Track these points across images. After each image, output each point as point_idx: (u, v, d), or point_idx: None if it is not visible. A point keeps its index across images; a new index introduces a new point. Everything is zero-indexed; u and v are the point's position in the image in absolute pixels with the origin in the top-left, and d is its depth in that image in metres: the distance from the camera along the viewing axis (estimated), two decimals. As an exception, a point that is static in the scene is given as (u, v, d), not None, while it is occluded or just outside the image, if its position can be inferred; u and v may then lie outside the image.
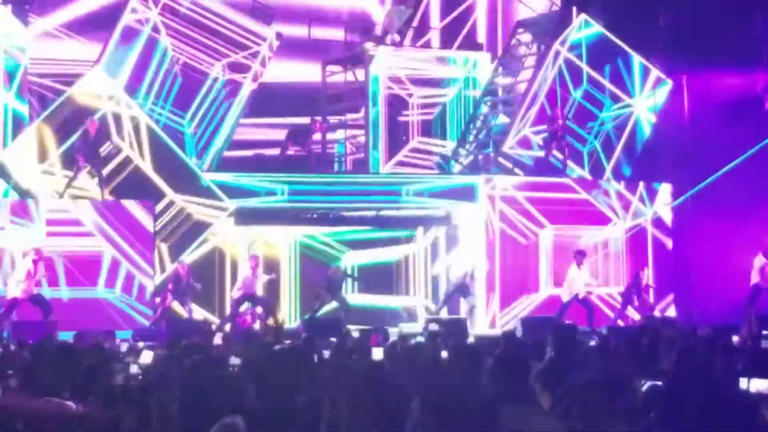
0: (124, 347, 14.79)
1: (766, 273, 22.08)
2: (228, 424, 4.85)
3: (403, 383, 6.56)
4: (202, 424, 5.71)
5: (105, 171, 21.65)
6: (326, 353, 12.53)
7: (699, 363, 9.01)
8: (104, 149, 21.66)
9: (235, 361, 10.60)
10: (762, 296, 21.92)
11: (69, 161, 21.44)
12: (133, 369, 10.90)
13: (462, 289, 22.54)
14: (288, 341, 13.17)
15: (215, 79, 24.32)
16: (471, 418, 5.44)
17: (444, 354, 10.71)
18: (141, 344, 15.50)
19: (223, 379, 8.29)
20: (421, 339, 15.72)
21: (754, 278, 22.09)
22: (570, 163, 25.10)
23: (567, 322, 19.05)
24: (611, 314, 23.84)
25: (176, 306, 21.62)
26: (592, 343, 14.08)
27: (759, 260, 22.21)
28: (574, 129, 25.39)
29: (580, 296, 22.38)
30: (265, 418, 5.91)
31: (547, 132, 24.72)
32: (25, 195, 21.33)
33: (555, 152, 24.84)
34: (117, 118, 21.83)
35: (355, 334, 16.76)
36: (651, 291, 23.84)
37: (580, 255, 22.73)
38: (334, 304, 22.75)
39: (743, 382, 6.87)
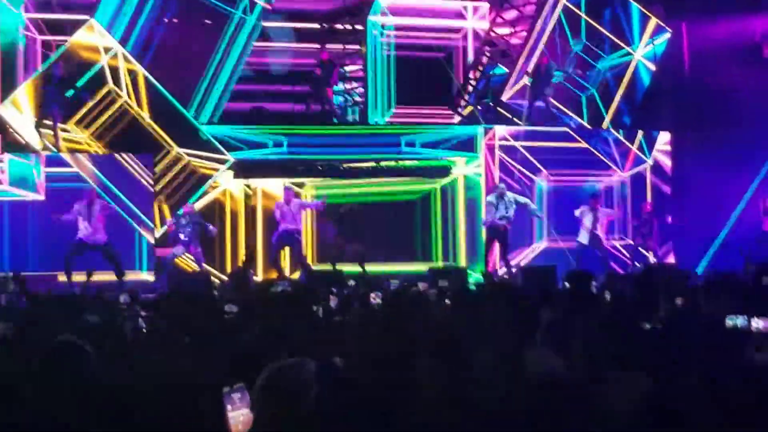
0: (121, 298, 14.75)
1: None
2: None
3: (407, 328, 6.62)
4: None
5: (101, 122, 21.55)
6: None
7: (698, 306, 9.07)
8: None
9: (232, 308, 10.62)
10: None
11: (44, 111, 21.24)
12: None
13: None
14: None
15: (211, 31, 24.17)
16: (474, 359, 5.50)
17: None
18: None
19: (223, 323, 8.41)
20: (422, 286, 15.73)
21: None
22: (568, 112, 25.12)
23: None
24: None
25: (178, 249, 21.44)
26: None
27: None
28: (568, 78, 25.32)
29: (600, 239, 22.57)
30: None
31: (530, 80, 24.74)
32: (23, 150, 21.31)
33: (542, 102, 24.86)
34: (114, 71, 21.76)
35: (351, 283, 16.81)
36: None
37: (594, 199, 22.89)
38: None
39: (743, 321, 6.91)
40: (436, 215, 24.94)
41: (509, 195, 22.22)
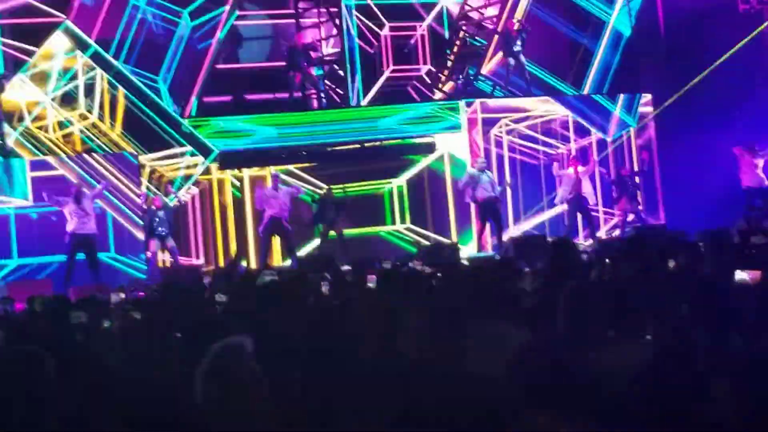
0: (114, 298, 14.77)
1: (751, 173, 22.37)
2: (233, 345, 4.77)
3: (396, 306, 6.61)
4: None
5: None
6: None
7: (690, 264, 9.10)
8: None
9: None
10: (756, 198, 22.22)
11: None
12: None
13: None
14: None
15: (185, 26, 24.11)
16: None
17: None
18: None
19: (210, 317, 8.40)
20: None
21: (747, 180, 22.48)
22: (547, 78, 25.19)
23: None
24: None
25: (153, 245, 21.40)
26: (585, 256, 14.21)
27: (745, 162, 22.50)
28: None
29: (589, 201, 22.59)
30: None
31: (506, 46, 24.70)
32: (9, 156, 21.26)
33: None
34: (89, 74, 21.71)
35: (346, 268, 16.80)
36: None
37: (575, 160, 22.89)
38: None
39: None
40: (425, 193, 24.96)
41: (489, 172, 22.22)
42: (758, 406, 4.24)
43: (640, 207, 24.17)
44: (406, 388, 4.86)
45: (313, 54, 24.79)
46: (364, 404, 5.23)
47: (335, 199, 23.14)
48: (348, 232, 22.44)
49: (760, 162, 22.82)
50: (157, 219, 21.05)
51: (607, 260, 10.40)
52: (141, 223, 21.69)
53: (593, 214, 23.29)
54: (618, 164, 25.14)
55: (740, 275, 6.81)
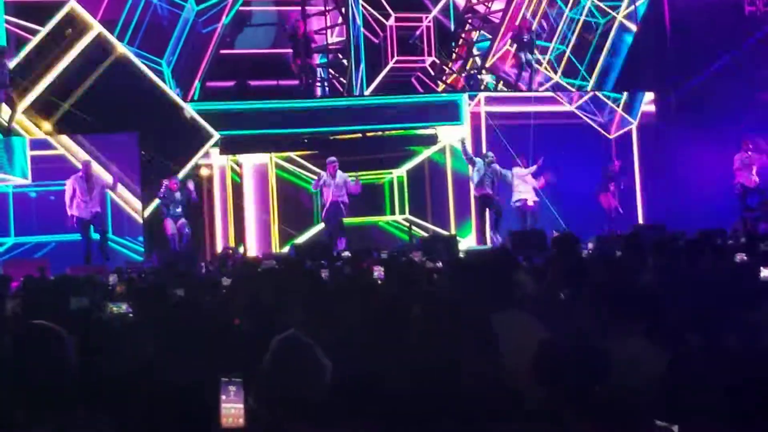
0: (111, 279, 14.70)
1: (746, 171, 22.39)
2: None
3: (400, 296, 6.62)
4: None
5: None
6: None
7: (687, 265, 9.10)
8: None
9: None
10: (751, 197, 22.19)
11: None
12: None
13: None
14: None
15: (190, 9, 24.07)
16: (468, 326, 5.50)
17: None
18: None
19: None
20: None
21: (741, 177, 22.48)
22: (552, 75, 25.15)
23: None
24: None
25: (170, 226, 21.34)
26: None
27: (739, 159, 22.52)
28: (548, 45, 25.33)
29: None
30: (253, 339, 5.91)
31: (516, 45, 24.67)
32: (10, 134, 21.20)
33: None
34: (95, 52, 21.65)
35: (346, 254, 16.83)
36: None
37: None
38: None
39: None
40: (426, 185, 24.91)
41: (497, 167, 22.13)
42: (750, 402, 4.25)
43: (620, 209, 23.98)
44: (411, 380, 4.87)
45: (315, 42, 24.73)
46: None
47: None
48: (347, 220, 22.37)
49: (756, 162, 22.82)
50: (174, 201, 21.05)
51: (618, 252, 10.39)
52: (140, 205, 21.67)
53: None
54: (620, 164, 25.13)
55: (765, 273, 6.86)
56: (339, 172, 21.48)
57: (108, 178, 20.58)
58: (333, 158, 21.67)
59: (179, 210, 20.94)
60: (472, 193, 22.46)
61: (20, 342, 4.80)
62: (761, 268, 6.89)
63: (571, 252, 9.64)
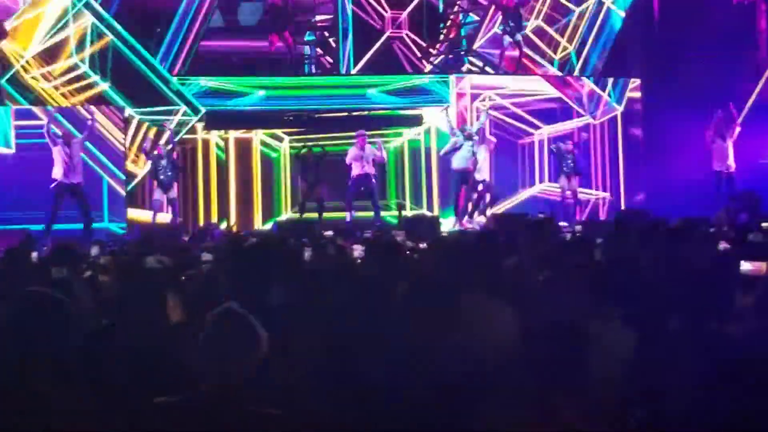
0: (95, 250, 14.67)
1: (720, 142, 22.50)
2: (227, 310, 4.78)
3: (381, 275, 6.63)
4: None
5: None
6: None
7: (671, 252, 9.12)
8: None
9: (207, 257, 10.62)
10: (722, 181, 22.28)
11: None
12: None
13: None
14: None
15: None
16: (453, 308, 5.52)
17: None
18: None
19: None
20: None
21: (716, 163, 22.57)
22: (538, 59, 25.16)
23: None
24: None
25: (156, 194, 21.40)
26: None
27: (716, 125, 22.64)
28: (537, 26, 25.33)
29: None
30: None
31: (502, 27, 24.64)
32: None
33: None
34: (81, 22, 21.60)
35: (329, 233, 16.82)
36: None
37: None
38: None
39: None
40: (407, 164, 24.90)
41: (472, 132, 21.91)
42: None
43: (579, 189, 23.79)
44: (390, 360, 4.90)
45: (302, 18, 24.63)
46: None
47: (315, 157, 23.10)
48: (329, 202, 22.45)
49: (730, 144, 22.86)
50: (160, 167, 21.10)
51: (598, 240, 10.40)
52: (123, 177, 21.66)
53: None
54: (604, 148, 25.19)
55: (745, 266, 6.89)
56: (367, 145, 21.63)
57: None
58: (362, 131, 21.91)
59: (164, 177, 21.00)
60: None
61: (23, 310, 4.80)
62: (742, 261, 6.92)
63: (548, 236, 9.68)
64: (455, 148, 21.61)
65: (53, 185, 19.41)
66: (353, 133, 22.21)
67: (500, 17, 24.63)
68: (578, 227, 18.05)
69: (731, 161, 22.80)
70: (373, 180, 21.79)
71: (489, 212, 22.26)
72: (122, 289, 7.03)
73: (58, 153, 19.37)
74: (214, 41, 24.52)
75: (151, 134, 22.14)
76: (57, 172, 19.38)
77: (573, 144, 23.51)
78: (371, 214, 21.79)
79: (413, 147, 24.69)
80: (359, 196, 21.88)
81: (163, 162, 21.12)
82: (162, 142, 21.74)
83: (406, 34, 25.70)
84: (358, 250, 10.90)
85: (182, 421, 4.52)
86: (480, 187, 22.17)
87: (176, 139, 22.00)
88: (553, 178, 24.19)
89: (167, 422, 4.52)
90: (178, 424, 4.51)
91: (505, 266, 8.38)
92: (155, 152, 21.37)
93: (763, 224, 16.28)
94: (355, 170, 21.59)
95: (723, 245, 10.72)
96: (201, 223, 22.95)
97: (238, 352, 4.62)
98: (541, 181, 24.85)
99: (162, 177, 21.18)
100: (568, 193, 23.14)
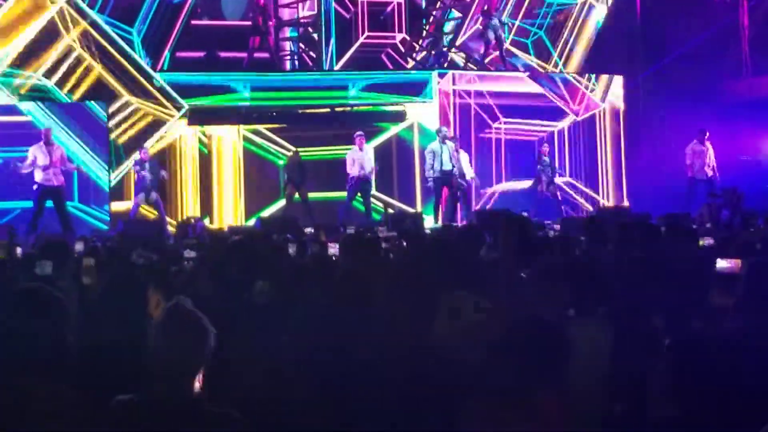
0: (79, 246, 14.64)
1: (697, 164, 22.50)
2: (177, 306, 4.79)
3: (362, 272, 6.66)
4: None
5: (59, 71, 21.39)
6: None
7: (650, 250, 9.17)
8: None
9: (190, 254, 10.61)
10: (700, 189, 22.31)
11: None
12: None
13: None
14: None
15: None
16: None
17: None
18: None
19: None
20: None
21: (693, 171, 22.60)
22: (521, 55, 25.22)
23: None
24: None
25: (139, 198, 21.47)
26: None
27: (691, 150, 22.64)
28: (514, 22, 25.38)
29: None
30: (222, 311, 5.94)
31: (482, 27, 24.69)
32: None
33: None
34: (64, 18, 21.54)
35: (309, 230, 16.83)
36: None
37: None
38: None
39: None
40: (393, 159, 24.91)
41: (450, 144, 22.01)
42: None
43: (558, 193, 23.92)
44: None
45: (285, 15, 24.62)
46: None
47: (301, 161, 23.15)
48: (312, 195, 22.47)
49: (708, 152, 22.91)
50: (144, 171, 21.14)
51: (582, 238, 10.46)
52: (106, 171, 21.65)
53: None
54: (587, 144, 25.24)
55: (721, 264, 6.92)
56: (366, 146, 21.78)
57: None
58: (360, 132, 22.04)
59: (147, 182, 21.06)
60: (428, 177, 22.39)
61: (18, 305, 4.81)
62: (717, 259, 6.96)
63: (528, 232, 9.70)
64: (434, 158, 21.75)
65: (35, 187, 19.32)
66: (339, 132, 22.33)
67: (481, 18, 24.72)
68: (558, 225, 18.04)
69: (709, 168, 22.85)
70: (371, 183, 22.03)
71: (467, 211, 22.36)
72: (104, 285, 7.05)
73: (35, 155, 19.25)
74: (198, 37, 24.47)
75: (134, 131, 22.15)
76: (37, 175, 19.24)
77: (546, 145, 23.77)
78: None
79: (402, 139, 24.65)
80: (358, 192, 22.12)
81: (146, 166, 21.18)
82: (145, 146, 21.78)
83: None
84: (333, 248, 10.91)
85: (139, 419, 4.53)
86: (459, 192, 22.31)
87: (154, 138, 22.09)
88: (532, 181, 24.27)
89: (127, 420, 4.54)
90: (134, 423, 4.53)
91: (486, 262, 8.45)
92: (139, 157, 21.40)
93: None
94: (354, 171, 21.76)
95: (708, 241, 10.77)
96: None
97: (185, 348, 4.61)
98: (507, 177, 24.79)
99: (144, 183, 21.22)
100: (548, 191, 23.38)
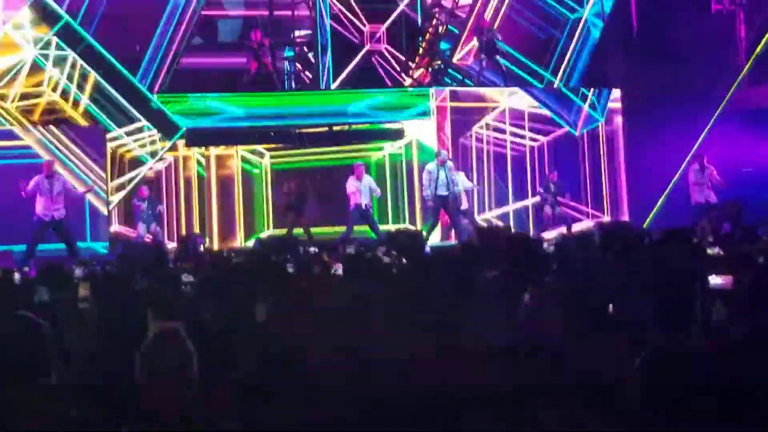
0: (78, 271, 14.63)
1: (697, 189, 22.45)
2: (168, 329, 4.78)
3: (363, 293, 6.61)
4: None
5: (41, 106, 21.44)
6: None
7: (654, 261, 9.12)
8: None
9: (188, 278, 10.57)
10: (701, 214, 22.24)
11: None
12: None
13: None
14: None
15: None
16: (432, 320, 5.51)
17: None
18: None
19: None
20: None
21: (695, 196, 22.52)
22: (518, 71, 25.21)
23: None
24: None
25: (141, 229, 21.74)
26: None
27: (693, 173, 22.58)
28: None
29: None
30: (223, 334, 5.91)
31: (479, 43, 24.67)
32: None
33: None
34: (61, 42, 21.54)
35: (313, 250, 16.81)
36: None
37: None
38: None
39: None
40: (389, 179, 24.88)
41: (450, 164, 22.09)
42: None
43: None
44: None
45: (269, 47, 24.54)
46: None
47: (304, 189, 23.27)
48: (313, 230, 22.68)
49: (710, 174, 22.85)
50: (144, 207, 21.76)
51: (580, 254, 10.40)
52: (105, 197, 21.63)
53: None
54: (586, 160, 25.20)
55: (715, 280, 6.90)
56: (365, 176, 22.06)
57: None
58: (360, 162, 22.43)
59: (148, 215, 21.43)
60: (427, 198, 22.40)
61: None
62: (710, 276, 6.94)
63: (529, 249, 9.65)
64: (431, 179, 21.79)
65: (35, 219, 19.18)
66: (336, 148, 22.32)
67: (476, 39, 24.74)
68: (560, 240, 18.00)
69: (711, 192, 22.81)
70: (370, 210, 22.18)
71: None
72: (103, 311, 7.02)
73: (36, 186, 19.17)
74: (194, 58, 24.46)
75: (132, 154, 22.18)
76: (38, 207, 19.12)
77: (557, 175, 23.79)
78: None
79: (394, 161, 24.68)
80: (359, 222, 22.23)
81: (144, 205, 21.76)
82: (147, 181, 22.05)
83: (385, 48, 25.76)
84: (337, 267, 10.89)
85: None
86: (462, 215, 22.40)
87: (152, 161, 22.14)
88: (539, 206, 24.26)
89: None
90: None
91: (487, 279, 8.40)
92: (139, 194, 21.87)
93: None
94: (353, 200, 21.93)
95: (716, 250, 10.73)
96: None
97: (169, 370, 4.60)
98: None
99: (144, 216, 21.80)
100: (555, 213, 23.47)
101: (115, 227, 22.19)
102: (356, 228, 22.19)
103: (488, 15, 25.14)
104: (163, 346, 4.69)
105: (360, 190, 21.88)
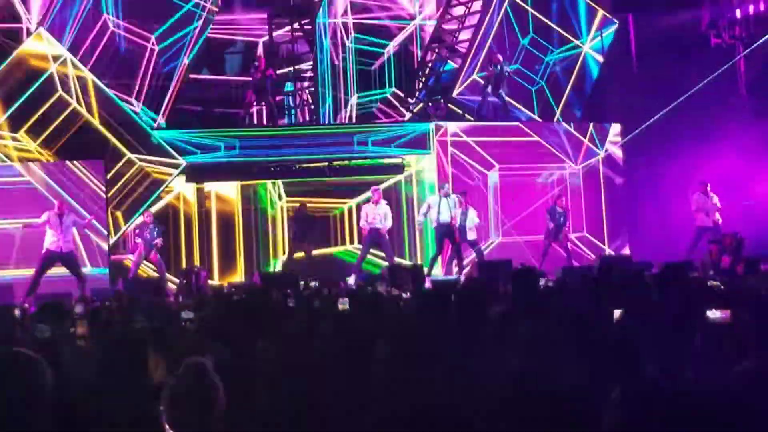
0: (79, 308, 14.59)
1: (702, 213, 22.43)
2: (195, 364, 4.79)
3: (367, 328, 6.60)
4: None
5: (51, 129, 21.48)
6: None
7: (652, 298, 9.12)
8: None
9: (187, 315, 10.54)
10: (704, 237, 22.19)
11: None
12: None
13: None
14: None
15: (159, 41, 24.06)
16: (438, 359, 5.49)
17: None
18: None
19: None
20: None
21: (700, 220, 22.47)
22: (518, 106, 25.22)
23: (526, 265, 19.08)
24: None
25: (141, 251, 21.74)
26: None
27: (696, 201, 22.57)
28: (517, 72, 25.44)
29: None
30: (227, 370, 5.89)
31: (486, 78, 24.71)
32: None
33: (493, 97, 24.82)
34: (63, 79, 21.57)
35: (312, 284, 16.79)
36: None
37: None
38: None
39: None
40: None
41: (455, 198, 22.16)
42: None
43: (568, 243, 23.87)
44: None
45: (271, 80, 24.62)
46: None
47: (306, 215, 23.28)
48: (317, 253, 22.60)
49: (713, 200, 22.84)
50: (148, 233, 21.74)
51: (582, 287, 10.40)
52: (105, 232, 21.62)
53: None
54: (587, 193, 25.16)
55: (714, 314, 6.87)
56: (382, 201, 22.04)
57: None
58: (377, 186, 22.52)
59: (153, 242, 21.42)
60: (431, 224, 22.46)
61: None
62: (709, 310, 6.91)
63: (532, 284, 9.64)
64: (429, 208, 21.85)
65: (44, 251, 19.71)
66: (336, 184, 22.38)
67: (482, 69, 24.77)
68: (560, 275, 18.00)
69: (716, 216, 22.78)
70: (386, 236, 22.12)
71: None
72: (103, 348, 6.99)
73: (47, 223, 19.76)
74: (195, 93, 24.56)
75: (131, 189, 22.18)
76: (47, 240, 19.70)
77: (564, 203, 23.70)
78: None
79: (398, 192, 24.69)
80: (373, 246, 22.25)
81: (147, 233, 21.70)
82: (150, 210, 22.04)
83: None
84: (342, 303, 10.85)
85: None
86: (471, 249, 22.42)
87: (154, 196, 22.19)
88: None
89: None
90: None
91: (492, 314, 8.37)
92: (143, 221, 21.89)
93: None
94: (366, 226, 21.97)
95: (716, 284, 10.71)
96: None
97: (195, 405, 4.60)
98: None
99: (147, 238, 21.76)
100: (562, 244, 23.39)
101: (115, 254, 22.18)
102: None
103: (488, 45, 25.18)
104: (191, 381, 4.69)
105: (373, 214, 21.90)
